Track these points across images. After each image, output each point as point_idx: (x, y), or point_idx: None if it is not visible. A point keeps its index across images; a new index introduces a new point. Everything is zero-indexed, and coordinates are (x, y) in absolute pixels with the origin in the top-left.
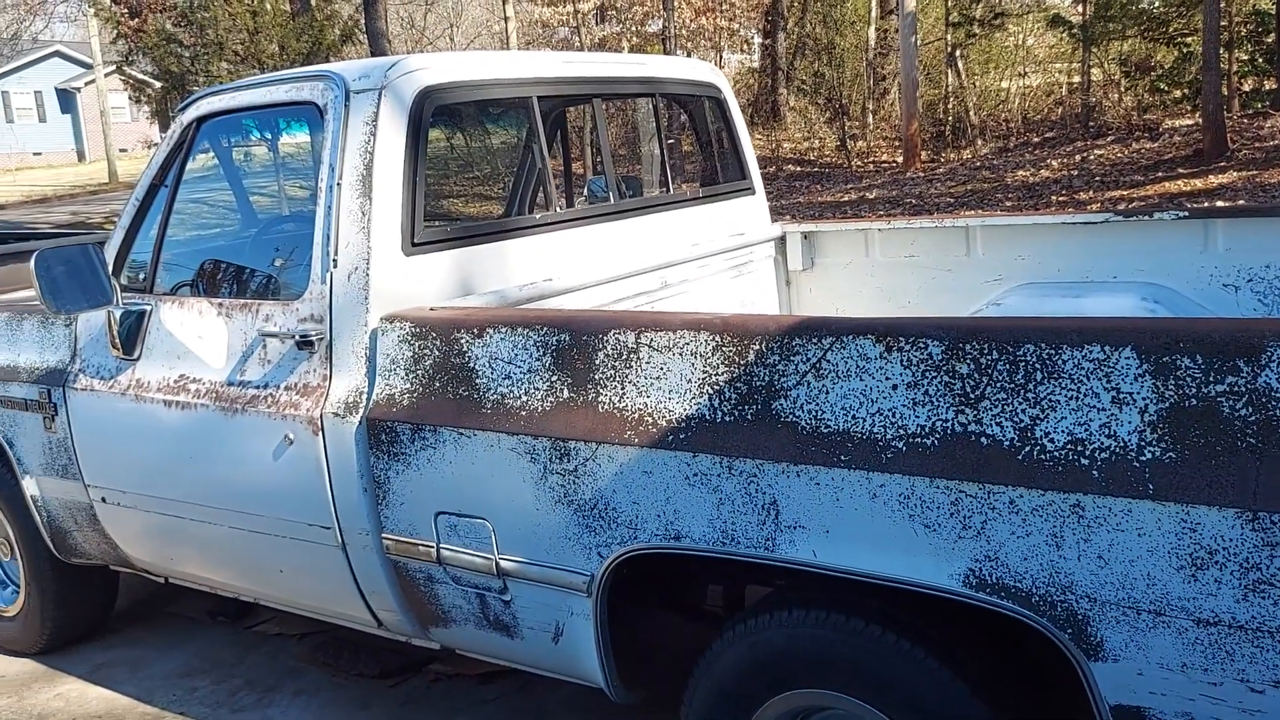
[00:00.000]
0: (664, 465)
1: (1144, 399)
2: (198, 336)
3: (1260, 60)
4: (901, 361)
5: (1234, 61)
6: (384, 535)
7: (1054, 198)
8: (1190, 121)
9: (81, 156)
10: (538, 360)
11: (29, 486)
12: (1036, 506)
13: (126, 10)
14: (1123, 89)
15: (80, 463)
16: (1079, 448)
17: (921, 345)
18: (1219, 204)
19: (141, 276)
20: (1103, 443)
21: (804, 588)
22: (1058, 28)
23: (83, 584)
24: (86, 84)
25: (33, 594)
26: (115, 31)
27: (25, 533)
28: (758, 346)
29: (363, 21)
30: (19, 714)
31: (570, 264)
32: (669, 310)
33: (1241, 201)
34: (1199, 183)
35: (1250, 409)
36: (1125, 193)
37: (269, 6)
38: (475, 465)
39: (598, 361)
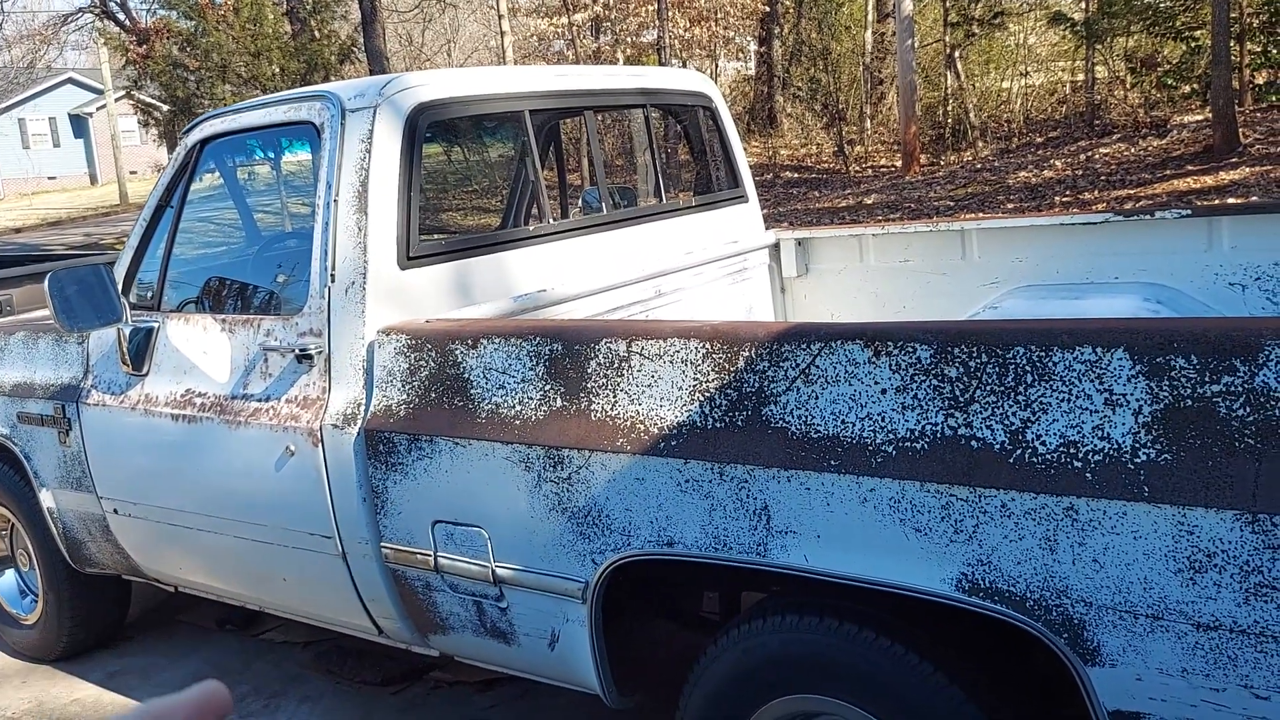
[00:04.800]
0: (656, 472)
1: (1138, 400)
2: (203, 352)
3: (1274, 52)
4: (890, 366)
5: (1245, 54)
6: (383, 544)
7: (1058, 199)
8: (1200, 117)
9: (94, 180)
10: (531, 370)
11: (46, 499)
12: (1029, 510)
13: (135, 38)
14: (1128, 86)
15: (93, 475)
16: (1071, 450)
17: (910, 349)
18: (1230, 201)
19: (149, 294)
20: (1096, 445)
21: (797, 593)
22: (1059, 25)
23: (97, 593)
24: (98, 109)
25: (50, 603)
26: (124, 58)
27: (43, 544)
28: (747, 353)
29: (361, 40)
30: (39, 718)
31: (565, 274)
32: (662, 319)
33: (1255, 198)
34: (1209, 179)
35: (1248, 409)
36: (1132, 191)
37: (269, 30)
38: (471, 474)
39: (590, 370)
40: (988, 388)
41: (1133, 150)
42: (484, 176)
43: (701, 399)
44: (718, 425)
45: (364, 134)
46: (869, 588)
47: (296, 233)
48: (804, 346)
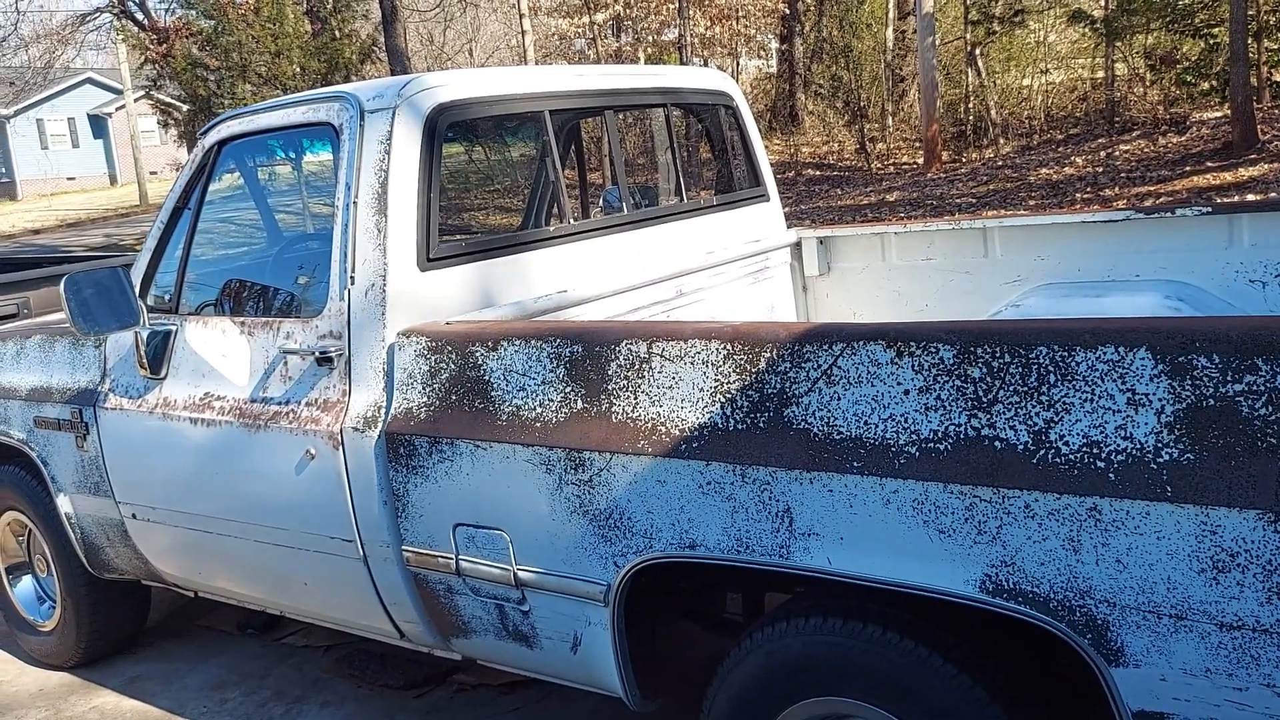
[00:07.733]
0: (678, 474)
1: (1160, 400)
2: (221, 355)
3: None
4: (913, 366)
5: (1263, 51)
6: (404, 547)
7: (1079, 195)
8: (1218, 114)
9: (114, 180)
10: (551, 372)
11: (63, 504)
12: (1052, 510)
13: (154, 36)
14: (1148, 83)
15: (111, 480)
16: (1094, 450)
17: (933, 349)
18: (1249, 197)
19: (167, 297)
20: (1119, 445)
21: (821, 595)
22: (1079, 23)
23: (116, 599)
24: (117, 109)
25: (68, 609)
26: (143, 58)
27: (60, 549)
28: (769, 354)
29: (382, 40)
30: None
31: (586, 275)
32: (684, 319)
33: (1273, 194)
34: (1228, 176)
35: (1270, 408)
36: (1152, 188)
37: (290, 29)
38: (492, 477)
39: (610, 372)
40: (1011, 388)
41: (1153, 147)
42: (504, 177)
43: (723, 400)
44: (739, 427)
45: (383, 135)
46: (893, 590)
47: (315, 235)
48: (826, 347)
